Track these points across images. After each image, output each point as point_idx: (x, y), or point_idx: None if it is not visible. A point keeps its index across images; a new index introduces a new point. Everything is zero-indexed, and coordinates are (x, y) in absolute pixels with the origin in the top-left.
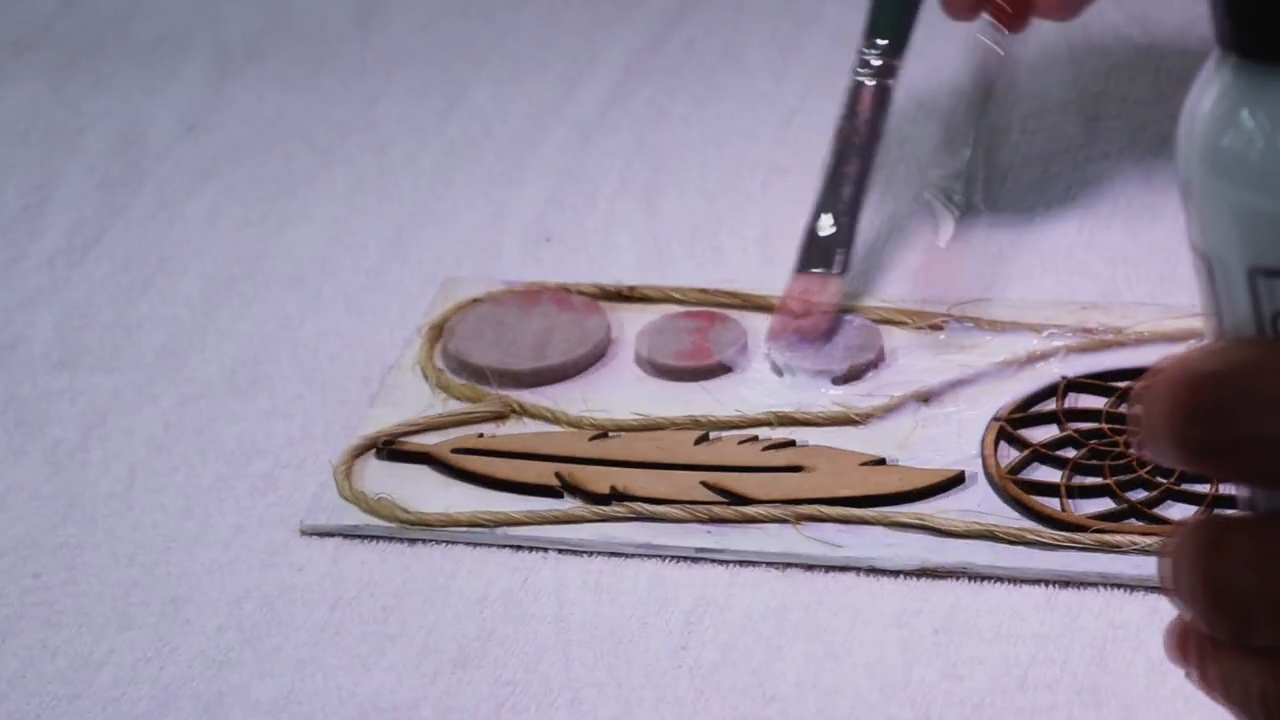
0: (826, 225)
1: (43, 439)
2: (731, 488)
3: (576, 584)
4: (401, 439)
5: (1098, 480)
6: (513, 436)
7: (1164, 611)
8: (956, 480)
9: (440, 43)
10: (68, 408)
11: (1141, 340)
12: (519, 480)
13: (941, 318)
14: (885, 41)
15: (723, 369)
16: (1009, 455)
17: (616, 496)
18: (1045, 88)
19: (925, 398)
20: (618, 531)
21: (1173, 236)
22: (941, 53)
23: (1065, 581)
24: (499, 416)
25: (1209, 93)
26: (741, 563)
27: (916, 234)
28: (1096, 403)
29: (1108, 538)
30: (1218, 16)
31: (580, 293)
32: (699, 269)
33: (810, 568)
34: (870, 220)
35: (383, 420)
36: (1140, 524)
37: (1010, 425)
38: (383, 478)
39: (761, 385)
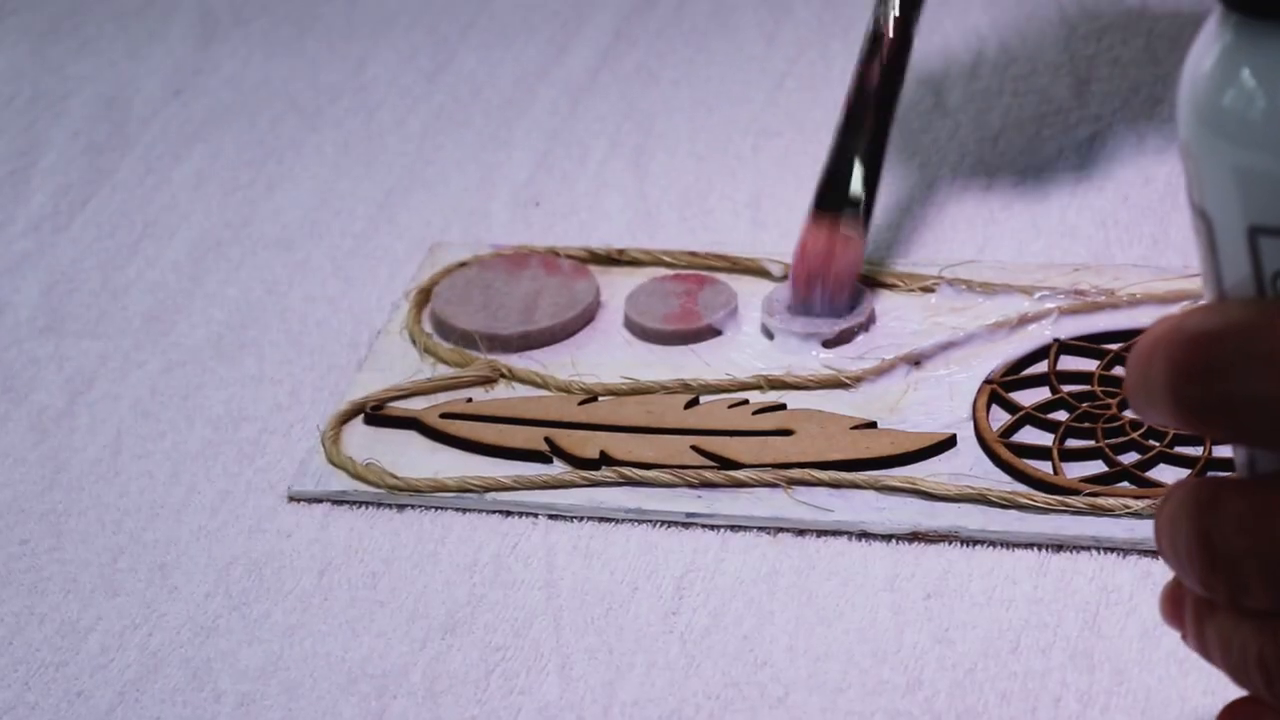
0: (857, 179)
1: (29, 405)
2: (721, 452)
3: (566, 549)
4: (389, 404)
5: (1090, 443)
6: (501, 401)
7: (1157, 575)
8: (948, 443)
9: (428, 5)
10: (54, 373)
11: (1133, 302)
12: (507, 445)
13: (933, 280)
14: None
15: (712, 332)
16: (1000, 418)
17: (606, 461)
18: (1037, 50)
19: (916, 360)
20: (607, 496)
21: (1165, 199)
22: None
23: (1057, 545)
24: (487, 381)
25: (1210, 52)
26: (732, 527)
27: (909, 196)
28: (1088, 365)
29: (1100, 501)
30: None
31: (569, 256)
32: (689, 232)
33: (801, 532)
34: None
35: (370, 385)
36: (1132, 487)
37: (1002, 388)
38: (370, 443)
39: (751, 348)
